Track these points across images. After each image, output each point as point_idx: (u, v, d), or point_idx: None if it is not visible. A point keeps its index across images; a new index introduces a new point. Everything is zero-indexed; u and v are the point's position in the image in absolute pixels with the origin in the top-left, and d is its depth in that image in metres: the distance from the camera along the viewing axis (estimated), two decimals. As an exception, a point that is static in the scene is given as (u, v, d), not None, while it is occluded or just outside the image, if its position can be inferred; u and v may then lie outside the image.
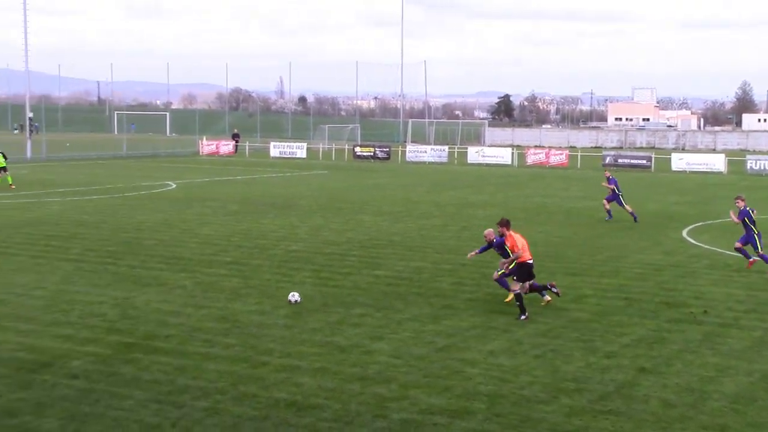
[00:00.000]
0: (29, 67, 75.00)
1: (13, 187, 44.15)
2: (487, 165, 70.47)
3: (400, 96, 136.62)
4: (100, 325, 17.10)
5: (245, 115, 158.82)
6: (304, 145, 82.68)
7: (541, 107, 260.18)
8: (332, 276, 22.25)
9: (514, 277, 18.43)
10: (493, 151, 76.84)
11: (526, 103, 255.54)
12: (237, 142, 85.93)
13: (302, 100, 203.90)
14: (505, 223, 18.93)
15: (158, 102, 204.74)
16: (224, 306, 18.72)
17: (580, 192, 46.93)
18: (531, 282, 18.64)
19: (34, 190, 43.76)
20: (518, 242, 18.61)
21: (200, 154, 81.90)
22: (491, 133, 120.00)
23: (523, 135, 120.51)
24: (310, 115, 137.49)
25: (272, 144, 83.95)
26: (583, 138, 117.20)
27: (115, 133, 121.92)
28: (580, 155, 73.88)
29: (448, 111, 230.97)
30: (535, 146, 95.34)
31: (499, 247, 19.16)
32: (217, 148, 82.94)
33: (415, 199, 41.92)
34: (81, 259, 24.20)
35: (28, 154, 71.11)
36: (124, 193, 42.62)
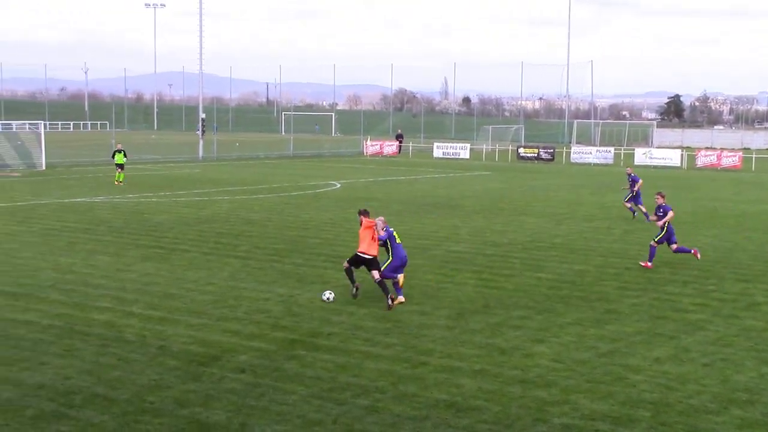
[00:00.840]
0: (203, 69, 77.96)
1: (121, 185, 45.38)
2: (655, 167, 68.58)
3: (565, 96, 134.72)
4: (265, 321, 17.55)
5: (409, 116, 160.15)
6: (468, 145, 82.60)
7: (713, 107, 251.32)
8: (493, 277, 22.13)
9: None
10: (661, 152, 74.70)
11: (697, 104, 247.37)
12: (401, 142, 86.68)
13: (466, 100, 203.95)
14: None
15: (324, 103, 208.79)
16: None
17: (753, 195, 45.04)
18: None
19: (205, 188, 45.38)
20: None
21: (364, 154, 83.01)
22: (660, 135, 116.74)
23: (693, 136, 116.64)
24: (474, 116, 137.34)
25: (435, 144, 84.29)
26: (759, 139, 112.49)
27: (282, 133, 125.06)
28: (755, 157, 70.94)
29: (614, 112, 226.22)
30: (706, 148, 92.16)
31: None
32: (381, 148, 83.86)
33: (578, 201, 41.23)
34: (248, 256, 24.93)
35: (200, 153, 73.83)
36: (290, 192, 43.67)
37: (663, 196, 24.50)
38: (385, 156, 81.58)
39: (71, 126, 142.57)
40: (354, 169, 63.28)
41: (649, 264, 23.42)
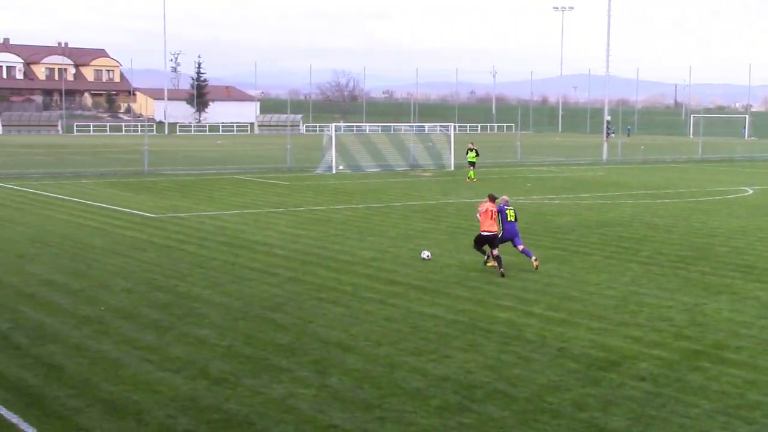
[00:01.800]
0: (609, 71, 77.30)
1: (474, 180, 48.67)
2: None
3: None
4: (667, 329, 16.99)
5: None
6: None
7: None
8: None
9: None
10: None
11: None
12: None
13: None
14: None
15: (737, 105, 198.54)
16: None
17: None
18: None
19: (609, 191, 44.95)
20: None
21: (780, 158, 77.79)
22: None
23: None
24: None
25: None
26: None
27: (690, 136, 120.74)
28: None
29: None
30: None
31: None
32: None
33: None
34: (651, 261, 24.29)
35: (605, 156, 73.27)
36: (697, 198, 42.00)
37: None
38: (804, 161, 75.84)
39: (479, 128, 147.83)
40: (768, 174, 59.48)
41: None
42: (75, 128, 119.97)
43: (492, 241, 22.15)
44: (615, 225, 31.65)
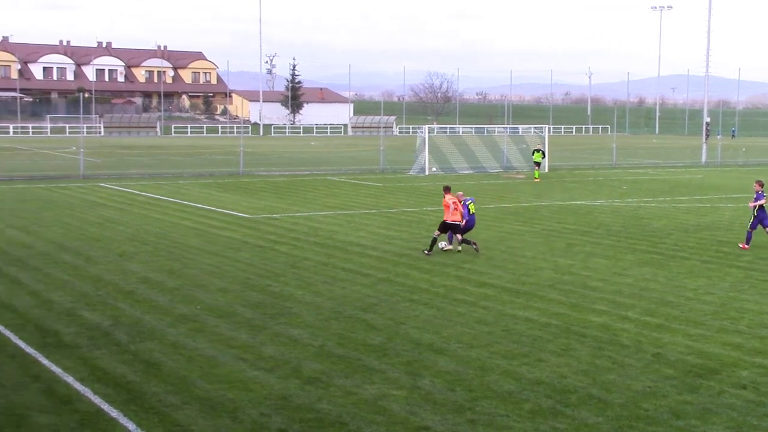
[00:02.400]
0: (709, 71, 75.60)
1: (538, 181, 49.78)
2: None
3: None
4: (770, 336, 16.50)
5: None
6: None
7: None
8: None
9: None
10: None
11: None
12: None
13: None
14: None
15: None
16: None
17: None
18: None
19: (707, 194, 43.95)
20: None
21: None
22: None
23: None
24: None
25: None
26: None
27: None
28: None
29: None
30: None
31: None
32: None
33: None
34: (752, 267, 23.66)
35: (703, 158, 71.68)
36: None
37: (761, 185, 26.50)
38: None
39: (573, 129, 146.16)
40: None
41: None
42: (173, 130, 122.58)
43: (455, 228, 25.27)
44: (714, 229, 30.92)
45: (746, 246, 26.47)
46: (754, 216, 26.59)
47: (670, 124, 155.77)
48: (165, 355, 14.94)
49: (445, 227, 25.45)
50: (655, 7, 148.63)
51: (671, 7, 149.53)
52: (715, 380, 13.88)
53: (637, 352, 15.38)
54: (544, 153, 52.76)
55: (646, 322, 17.54)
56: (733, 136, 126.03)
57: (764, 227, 26.65)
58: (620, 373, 14.19)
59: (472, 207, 26.18)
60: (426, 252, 24.97)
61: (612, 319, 17.75)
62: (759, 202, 26.50)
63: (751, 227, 26.67)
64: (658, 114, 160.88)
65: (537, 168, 52.03)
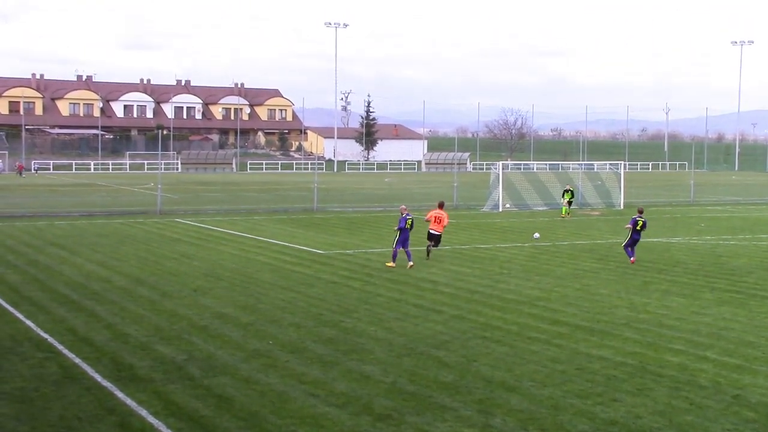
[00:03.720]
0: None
1: (565, 218, 49.37)
2: None
3: None
4: None
5: None
6: None
7: None
8: None
9: None
10: None
11: None
12: None
13: None
14: None
15: None
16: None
17: None
18: None
19: (789, 232, 42.89)
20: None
21: None
22: None
23: None
24: None
25: None
26: None
27: None
28: None
29: None
30: None
31: None
32: None
33: None
34: (836, 307, 22.98)
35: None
36: None
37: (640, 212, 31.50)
38: None
39: (650, 166, 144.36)
40: None
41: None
42: (248, 166, 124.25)
43: (437, 238, 31.03)
44: (796, 267, 30.13)
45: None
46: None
47: (751, 161, 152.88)
48: (237, 390, 15.03)
49: (429, 236, 31.09)
50: (736, 42, 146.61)
51: (752, 42, 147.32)
52: (798, 424, 13.46)
53: (715, 394, 15.01)
54: (573, 193, 52.62)
55: (725, 362, 17.13)
56: None
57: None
58: (698, 415, 13.85)
59: (409, 222, 29.58)
60: (426, 258, 30.78)
61: (689, 359, 17.36)
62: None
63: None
64: (737, 150, 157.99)
65: (567, 206, 51.63)
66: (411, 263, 29.06)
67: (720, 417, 13.77)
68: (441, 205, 31.94)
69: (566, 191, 52.47)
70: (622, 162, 67.70)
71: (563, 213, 51.06)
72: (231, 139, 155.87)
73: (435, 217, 30.96)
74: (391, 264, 29.35)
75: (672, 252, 34.40)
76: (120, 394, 14.73)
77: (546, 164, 78.55)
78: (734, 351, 18.06)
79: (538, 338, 19.05)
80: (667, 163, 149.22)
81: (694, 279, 27.47)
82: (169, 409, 13.96)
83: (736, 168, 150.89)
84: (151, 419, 13.47)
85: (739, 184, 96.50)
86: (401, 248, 29.40)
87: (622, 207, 57.42)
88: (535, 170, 75.59)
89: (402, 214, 29.74)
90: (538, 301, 23.43)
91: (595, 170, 69.41)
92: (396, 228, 29.80)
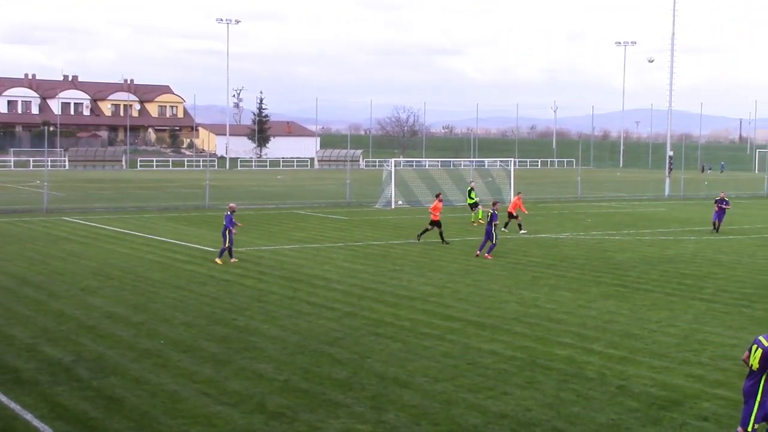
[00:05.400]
0: (672, 106, 76.58)
1: (476, 225, 43.36)
2: None
3: None
4: (731, 368, 16.64)
5: None
6: None
7: None
8: None
9: None
10: None
11: None
12: None
13: None
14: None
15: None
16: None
17: None
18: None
19: (671, 227, 44.36)
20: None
21: None
22: None
23: None
24: None
25: None
26: None
27: (756, 171, 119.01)
28: None
29: None
30: None
31: None
32: None
33: None
34: (714, 299, 23.88)
35: (667, 191, 72.42)
36: (762, 234, 41.25)
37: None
38: None
39: (539, 163, 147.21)
40: (836, 210, 58.21)
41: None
42: (138, 163, 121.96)
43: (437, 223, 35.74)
44: (677, 262, 31.19)
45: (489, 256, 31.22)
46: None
47: (634, 158, 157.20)
48: (127, 391, 14.79)
49: (433, 223, 35.84)
50: (620, 43, 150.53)
51: (635, 43, 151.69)
52: (678, 412, 13.96)
53: (601, 385, 15.44)
54: (471, 191, 46.04)
55: (610, 354, 17.63)
56: (721, 170, 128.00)
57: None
58: (585, 406, 14.23)
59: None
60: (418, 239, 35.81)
61: (577, 351, 17.82)
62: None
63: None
64: (622, 148, 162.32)
65: (476, 208, 45.03)
66: (234, 259, 29.65)
67: (605, 407, 14.18)
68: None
69: (471, 190, 46.15)
70: (512, 159, 68.86)
71: (473, 219, 44.76)
72: (120, 135, 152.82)
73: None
74: (220, 261, 29.52)
75: (560, 247, 35.20)
76: (3, 398, 14.33)
77: (438, 161, 79.31)
78: (619, 343, 18.61)
79: (430, 334, 19.27)
80: (556, 160, 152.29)
81: (581, 273, 28.17)
82: (56, 412, 13.65)
83: (621, 165, 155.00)
84: (36, 423, 13.15)
85: (624, 180, 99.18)
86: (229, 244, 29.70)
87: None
88: (427, 167, 76.22)
89: (229, 212, 29.81)
90: (430, 297, 23.69)
91: (486, 167, 70.43)
92: (228, 226, 29.51)
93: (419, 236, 36.40)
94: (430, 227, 36.09)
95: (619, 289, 25.33)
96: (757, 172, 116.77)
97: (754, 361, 11.46)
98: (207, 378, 15.60)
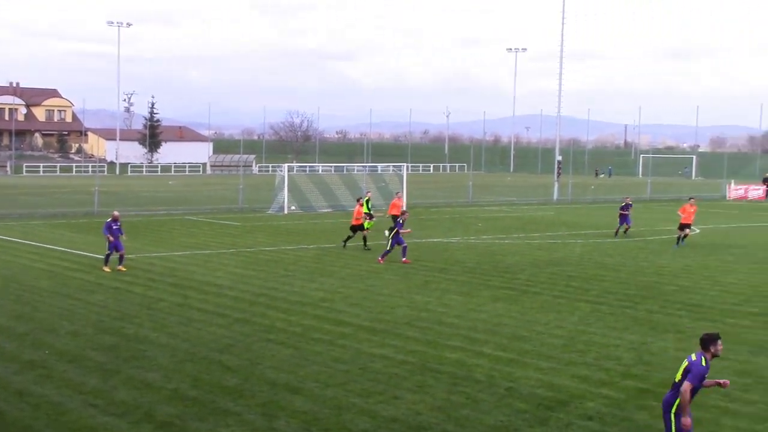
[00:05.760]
0: (561, 112, 78.34)
1: (368, 232, 38.35)
2: None
3: None
4: (615, 368, 17.12)
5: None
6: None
7: None
8: None
9: None
10: None
11: None
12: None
13: None
14: None
15: (685, 145, 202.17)
16: (746, 360, 17.75)
17: None
18: None
19: (559, 231, 45.33)
20: None
21: (727, 198, 79.14)
22: None
23: None
24: None
25: (807, 188, 78.42)
26: None
27: (640, 176, 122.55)
28: None
29: None
30: None
31: None
32: (745, 192, 79.63)
33: None
34: (599, 300, 24.51)
35: (555, 195, 73.99)
36: (645, 237, 42.51)
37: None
38: (750, 201, 77.25)
39: (431, 168, 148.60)
40: (714, 213, 60.44)
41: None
42: (24, 169, 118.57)
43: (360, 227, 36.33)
44: (564, 264, 31.90)
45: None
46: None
47: (525, 163, 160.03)
48: (9, 404, 14.38)
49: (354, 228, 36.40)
50: (511, 49, 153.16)
51: (526, 49, 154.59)
52: (564, 412, 14.29)
53: (490, 387, 15.69)
54: (368, 201, 40.80)
55: (499, 357, 17.93)
56: (609, 175, 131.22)
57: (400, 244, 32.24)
58: (474, 408, 14.44)
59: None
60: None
61: (467, 354, 18.06)
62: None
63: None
64: (513, 152, 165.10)
65: (369, 219, 38.90)
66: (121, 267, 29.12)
67: (494, 409, 14.42)
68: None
69: (368, 200, 40.56)
70: (405, 164, 69.37)
71: (368, 227, 39.19)
72: (5, 140, 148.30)
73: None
74: (107, 269, 29.00)
75: (451, 251, 35.62)
76: None
77: (331, 166, 79.32)
78: (508, 345, 18.94)
79: (321, 339, 19.28)
80: (448, 164, 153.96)
81: (471, 277, 28.56)
82: (-66, 427, 13.20)
83: (512, 169, 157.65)
84: None
85: (514, 184, 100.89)
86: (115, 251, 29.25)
87: (404, 207, 58.68)
88: (320, 172, 76.27)
89: (109, 220, 29.49)
90: (322, 303, 23.70)
91: (379, 172, 70.81)
92: (105, 233, 29.30)
93: (344, 243, 36.60)
94: (352, 233, 36.55)
95: (508, 292, 25.78)
96: (641, 176, 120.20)
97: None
98: (93, 388, 15.29)
